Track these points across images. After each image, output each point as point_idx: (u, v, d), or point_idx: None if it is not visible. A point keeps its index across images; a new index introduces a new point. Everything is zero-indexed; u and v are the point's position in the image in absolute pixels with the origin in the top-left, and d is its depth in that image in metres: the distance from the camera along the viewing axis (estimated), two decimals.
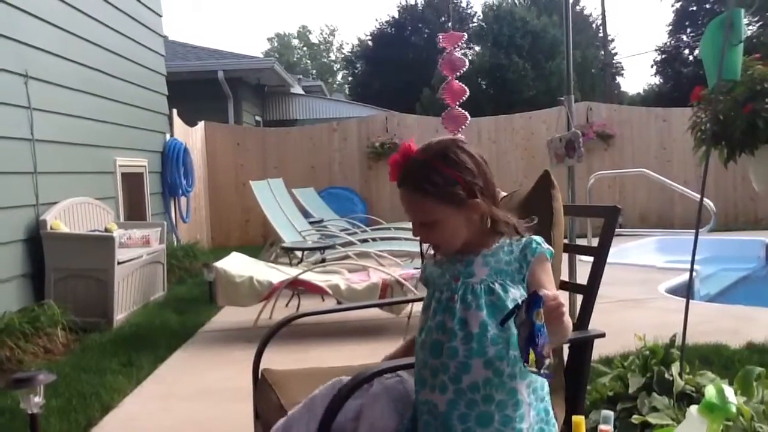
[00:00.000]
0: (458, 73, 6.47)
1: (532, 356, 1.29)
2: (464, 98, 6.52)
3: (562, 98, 4.44)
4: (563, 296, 1.46)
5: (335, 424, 1.62)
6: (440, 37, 6.55)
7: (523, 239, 1.61)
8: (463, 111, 6.55)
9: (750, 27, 21.62)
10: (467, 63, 6.67)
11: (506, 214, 1.63)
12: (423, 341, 1.61)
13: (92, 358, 4.35)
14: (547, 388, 1.60)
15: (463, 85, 6.54)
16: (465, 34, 6.75)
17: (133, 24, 7.69)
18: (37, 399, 2.58)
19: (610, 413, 1.45)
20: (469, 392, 1.51)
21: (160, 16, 8.67)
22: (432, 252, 1.69)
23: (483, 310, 1.52)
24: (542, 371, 1.31)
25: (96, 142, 6.54)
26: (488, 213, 1.58)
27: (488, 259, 1.59)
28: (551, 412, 1.60)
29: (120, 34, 7.27)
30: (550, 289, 1.50)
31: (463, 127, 6.55)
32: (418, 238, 1.65)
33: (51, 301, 4.94)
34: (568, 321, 1.44)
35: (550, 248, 1.63)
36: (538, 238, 1.62)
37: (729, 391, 1.32)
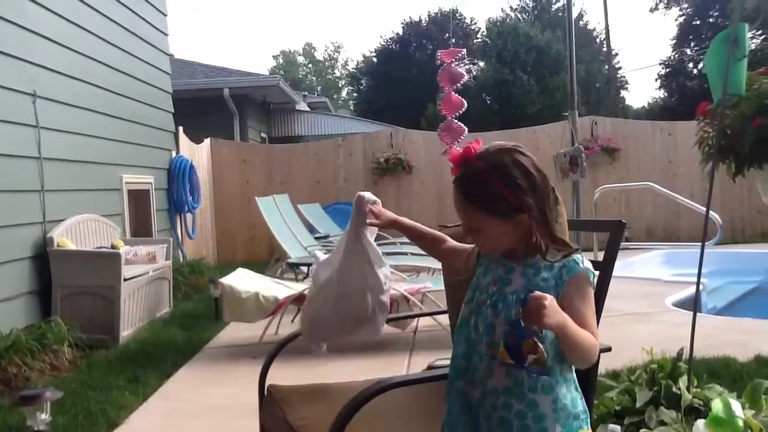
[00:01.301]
0: (456, 86, 6.48)
1: (501, 348, 1.38)
2: (462, 110, 6.51)
3: (566, 113, 4.46)
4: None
5: None
6: (440, 53, 6.59)
7: (564, 259, 1.58)
8: (460, 123, 6.55)
9: (754, 40, 21.66)
10: (466, 76, 6.68)
11: (553, 233, 1.59)
12: (462, 335, 1.64)
13: (98, 375, 4.35)
14: (581, 407, 1.57)
15: (462, 98, 6.54)
16: (464, 49, 6.76)
17: (139, 43, 7.76)
18: (44, 416, 2.59)
19: (617, 427, 1.45)
20: (492, 395, 1.54)
21: (166, 34, 8.75)
22: None
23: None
24: (525, 366, 1.36)
25: (102, 159, 6.58)
26: (533, 230, 1.56)
27: (527, 270, 1.59)
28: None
29: (126, 52, 7.34)
30: (584, 313, 1.53)
31: (461, 139, 6.55)
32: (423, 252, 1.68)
33: (58, 318, 4.95)
34: (585, 340, 1.47)
35: (590, 268, 1.59)
36: (579, 257, 1.59)
37: (736, 405, 1.31)
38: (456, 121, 6.56)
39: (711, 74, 2.75)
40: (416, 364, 4.29)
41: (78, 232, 5.68)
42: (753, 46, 20.26)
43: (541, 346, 1.39)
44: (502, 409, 1.53)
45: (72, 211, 5.74)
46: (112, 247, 5.72)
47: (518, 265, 1.60)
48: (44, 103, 5.49)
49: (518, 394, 1.52)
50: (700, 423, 1.35)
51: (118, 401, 3.80)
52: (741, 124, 2.72)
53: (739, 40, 2.61)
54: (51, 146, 5.52)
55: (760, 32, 21.96)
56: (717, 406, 1.32)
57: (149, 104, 7.95)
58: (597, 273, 1.65)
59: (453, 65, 6.52)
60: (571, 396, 1.56)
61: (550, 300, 1.40)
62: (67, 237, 5.43)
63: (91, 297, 5.25)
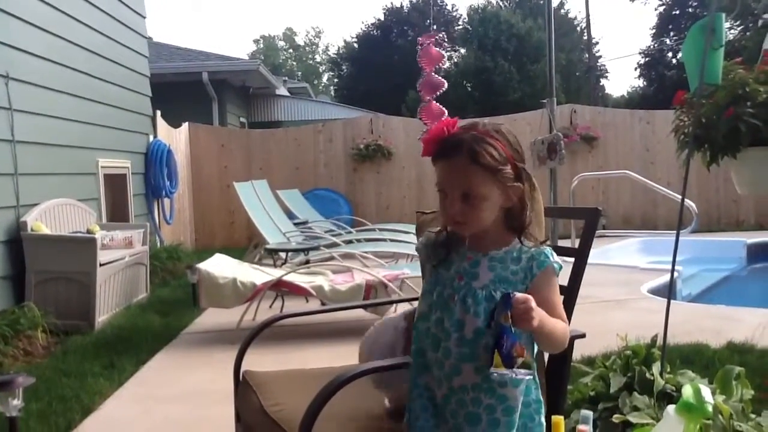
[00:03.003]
0: (437, 66, 6.43)
1: (497, 358, 1.33)
2: (442, 91, 6.46)
3: (545, 101, 4.46)
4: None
5: None
6: (420, 39, 6.54)
7: (532, 249, 1.58)
8: (440, 105, 6.52)
9: (732, 31, 21.86)
10: (445, 56, 6.63)
11: (537, 213, 1.62)
12: (423, 330, 1.61)
13: (73, 361, 4.31)
14: (534, 395, 1.58)
15: (442, 78, 6.50)
16: (443, 33, 6.71)
17: (116, 25, 7.64)
18: (16, 402, 2.56)
19: (589, 413, 1.46)
20: (460, 392, 1.52)
21: (144, 17, 8.62)
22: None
23: (480, 317, 1.51)
24: (514, 370, 1.33)
25: (78, 143, 6.49)
26: (525, 199, 1.57)
27: (494, 264, 1.57)
28: (536, 419, 1.59)
29: (102, 35, 7.22)
30: (554, 302, 1.54)
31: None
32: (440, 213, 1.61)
33: (31, 304, 4.89)
34: (558, 329, 1.47)
35: (559, 261, 1.60)
36: (548, 250, 1.59)
37: (706, 391, 1.33)
38: (436, 102, 6.53)
39: (688, 63, 2.77)
40: None
41: (53, 217, 5.61)
42: (731, 37, 20.46)
43: (525, 347, 1.39)
44: (471, 405, 1.52)
45: (47, 195, 5.65)
46: (88, 231, 5.65)
47: (483, 257, 1.58)
48: (17, 86, 5.39)
49: (488, 390, 1.51)
50: (671, 408, 1.36)
51: (92, 387, 3.77)
52: (716, 114, 2.74)
53: (716, 30, 2.63)
54: (25, 129, 5.42)
55: (738, 23, 22.14)
56: (687, 391, 1.34)
57: (126, 87, 7.84)
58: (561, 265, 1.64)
59: (431, 45, 6.46)
60: (527, 386, 1.56)
61: (533, 301, 1.39)
62: (41, 221, 5.35)
63: (66, 282, 5.19)
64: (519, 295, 1.36)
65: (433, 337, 1.57)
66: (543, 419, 1.60)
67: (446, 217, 1.58)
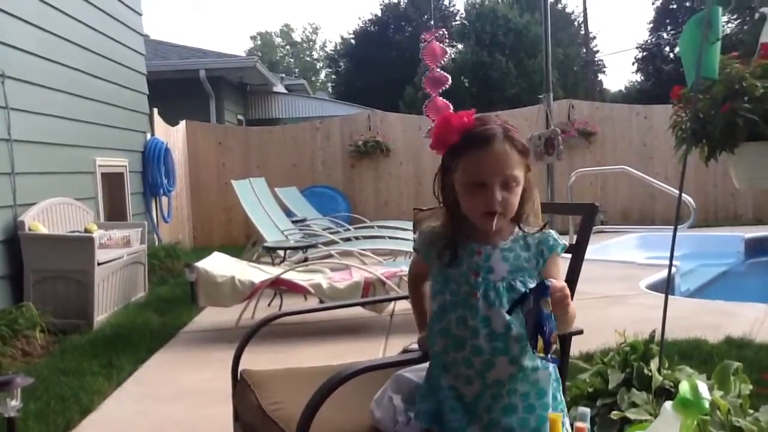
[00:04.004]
0: (440, 63, 6.46)
1: (540, 343, 1.35)
2: (447, 86, 6.49)
3: (542, 96, 4.46)
4: None
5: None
6: (423, 35, 6.55)
7: (537, 235, 1.62)
8: (445, 100, 6.55)
9: (729, 25, 21.84)
10: (448, 52, 6.66)
11: (535, 200, 1.67)
12: (442, 330, 1.60)
13: (72, 361, 4.31)
14: (554, 374, 1.64)
15: (445, 73, 6.52)
16: (443, 29, 6.72)
17: (113, 22, 7.62)
18: (15, 402, 2.55)
19: (587, 410, 1.46)
20: (494, 386, 1.54)
21: (140, 14, 8.60)
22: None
23: (505, 308, 1.53)
24: (549, 357, 1.37)
25: (75, 141, 6.47)
26: (531, 187, 1.62)
27: (506, 254, 1.59)
28: (558, 397, 1.65)
29: (99, 32, 7.20)
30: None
31: None
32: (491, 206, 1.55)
33: (29, 303, 4.89)
34: (573, 310, 1.49)
35: (564, 243, 1.66)
36: (554, 234, 1.64)
37: (703, 387, 1.33)
38: (441, 98, 6.56)
39: (685, 57, 2.75)
40: (392, 348, 4.30)
41: (50, 216, 5.60)
42: (728, 31, 20.45)
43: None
44: (508, 397, 1.54)
45: (44, 194, 5.64)
46: (86, 230, 5.64)
47: (494, 249, 1.59)
48: (14, 84, 5.37)
49: (522, 378, 1.55)
50: (668, 404, 1.36)
51: (91, 387, 3.76)
52: (713, 108, 2.73)
53: (713, 23, 2.61)
54: (21, 128, 5.41)
55: (735, 17, 22.13)
56: (684, 387, 1.34)
57: (123, 85, 7.82)
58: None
59: (435, 42, 6.48)
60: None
61: (567, 288, 1.42)
62: (38, 221, 5.34)
63: (64, 282, 5.18)
64: (555, 282, 1.40)
65: (455, 337, 1.57)
66: (562, 396, 1.67)
67: (484, 209, 1.55)
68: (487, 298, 1.55)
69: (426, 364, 1.68)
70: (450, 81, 6.56)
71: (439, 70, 6.51)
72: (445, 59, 6.56)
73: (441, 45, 6.52)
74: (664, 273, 6.32)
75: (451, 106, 6.61)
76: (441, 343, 1.60)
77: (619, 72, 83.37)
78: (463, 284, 1.58)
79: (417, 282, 1.87)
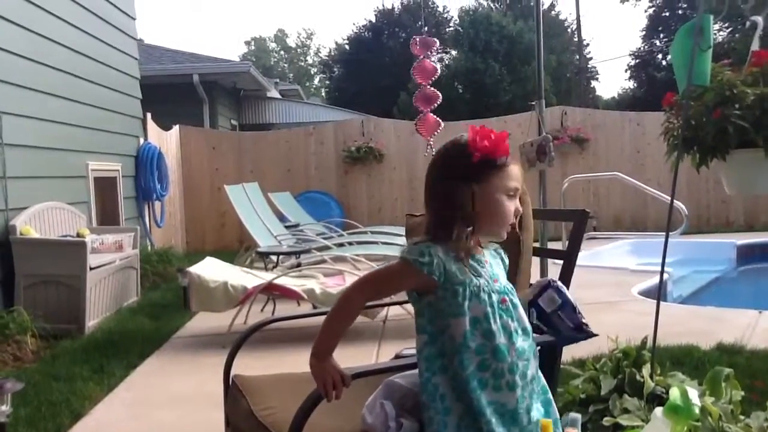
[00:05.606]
0: (432, 80, 6.49)
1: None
2: (437, 104, 6.54)
3: (533, 102, 4.47)
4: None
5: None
6: (415, 39, 6.53)
7: (490, 244, 1.74)
8: (436, 117, 6.58)
9: (720, 33, 21.98)
10: (438, 70, 6.71)
11: None
12: (482, 345, 1.57)
13: (63, 366, 4.28)
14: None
15: (436, 91, 6.55)
16: (436, 40, 6.73)
17: (106, 27, 7.61)
18: (4, 408, 2.54)
19: (578, 416, 1.46)
20: (531, 384, 1.62)
21: (134, 18, 8.59)
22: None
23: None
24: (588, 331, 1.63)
25: (67, 146, 6.46)
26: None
27: (496, 261, 1.71)
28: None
29: (92, 36, 7.19)
30: None
31: (437, 132, 6.57)
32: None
33: (21, 308, 4.86)
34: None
35: None
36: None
37: (693, 393, 1.33)
38: (432, 114, 6.59)
39: (676, 64, 2.77)
40: (385, 353, 4.30)
41: (42, 221, 5.57)
42: (720, 39, 20.57)
43: None
44: (540, 392, 1.68)
45: (36, 198, 5.62)
46: (78, 235, 5.62)
47: (487, 257, 1.69)
48: (5, 87, 5.36)
49: (538, 371, 1.68)
50: (658, 411, 1.36)
51: (82, 392, 3.75)
52: (704, 115, 2.75)
53: (704, 31, 2.63)
54: (13, 132, 5.39)
55: (727, 24, 22.27)
56: (674, 393, 1.34)
57: (116, 90, 7.80)
58: None
59: (426, 58, 6.51)
60: None
61: None
62: (30, 225, 5.32)
63: (56, 286, 5.16)
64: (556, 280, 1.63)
65: (498, 346, 1.57)
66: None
67: (510, 219, 1.64)
68: (512, 301, 1.64)
69: (416, 371, 1.65)
70: (441, 98, 6.62)
71: (430, 87, 6.55)
72: (435, 77, 6.62)
73: (432, 63, 6.56)
74: (656, 279, 6.35)
75: (442, 123, 6.65)
76: (476, 360, 1.57)
77: (612, 79, 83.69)
78: (492, 293, 1.61)
79: (377, 298, 1.79)
